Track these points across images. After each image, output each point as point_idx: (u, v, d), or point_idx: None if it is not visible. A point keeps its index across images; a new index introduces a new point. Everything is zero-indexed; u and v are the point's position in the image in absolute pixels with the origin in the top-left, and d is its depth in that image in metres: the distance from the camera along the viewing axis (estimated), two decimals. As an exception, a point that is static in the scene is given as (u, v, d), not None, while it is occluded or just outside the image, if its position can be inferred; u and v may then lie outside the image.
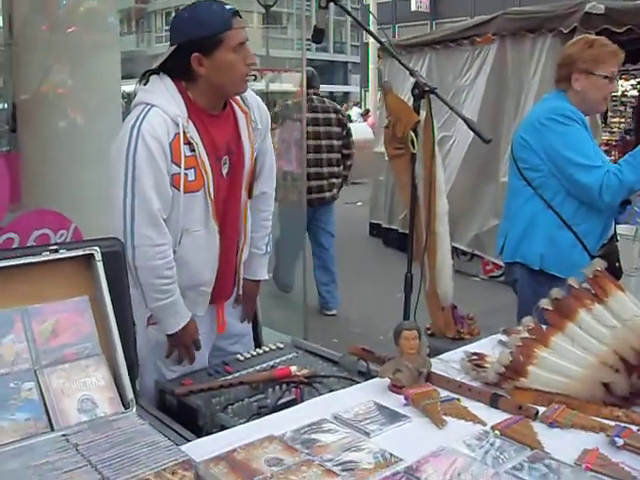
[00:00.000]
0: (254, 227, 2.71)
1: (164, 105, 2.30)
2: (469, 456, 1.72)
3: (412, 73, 2.54)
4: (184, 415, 2.14)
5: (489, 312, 3.32)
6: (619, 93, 9.66)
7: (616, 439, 1.79)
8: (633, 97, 9.95)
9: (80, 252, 1.65)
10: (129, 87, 3.74)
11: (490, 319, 2.83)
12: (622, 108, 10.01)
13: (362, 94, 35.06)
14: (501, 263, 7.35)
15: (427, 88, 2.47)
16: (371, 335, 3.35)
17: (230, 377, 2.28)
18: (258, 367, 2.37)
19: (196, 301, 2.51)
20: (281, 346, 2.55)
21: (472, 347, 2.44)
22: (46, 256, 1.62)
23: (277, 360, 2.43)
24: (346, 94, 43.43)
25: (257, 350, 2.52)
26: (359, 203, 12.38)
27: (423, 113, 2.56)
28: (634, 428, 1.84)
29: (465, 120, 2.43)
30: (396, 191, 8.73)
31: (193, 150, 2.32)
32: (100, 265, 1.65)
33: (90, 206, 3.80)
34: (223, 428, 1.97)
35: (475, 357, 2.28)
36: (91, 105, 4.00)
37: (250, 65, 2.36)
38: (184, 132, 2.29)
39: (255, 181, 2.63)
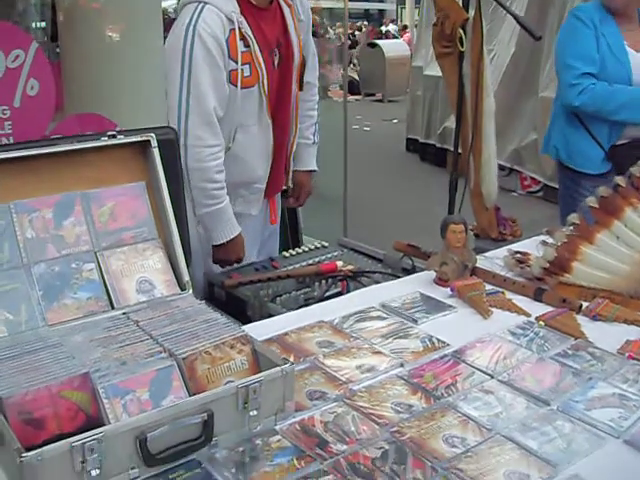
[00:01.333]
0: (300, 118, 2.73)
1: (217, 2, 2.30)
2: (514, 343, 1.77)
3: (461, -30, 2.51)
4: (232, 307, 2.20)
5: (527, 225, 3.31)
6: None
7: (659, 331, 1.82)
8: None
9: (137, 138, 1.68)
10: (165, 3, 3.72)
11: (528, 231, 2.83)
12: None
13: (398, 11, 34.32)
14: (539, 178, 7.36)
15: (476, -15, 2.44)
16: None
17: (277, 271, 2.33)
18: (304, 263, 2.41)
19: (250, 200, 2.55)
20: (326, 245, 2.59)
21: (515, 246, 2.46)
22: (104, 141, 1.65)
23: (322, 257, 2.47)
24: (382, 11, 42.52)
25: (302, 247, 2.56)
26: (395, 120, 12.29)
27: (472, 12, 2.53)
28: (677, 322, 1.87)
29: (515, 16, 2.41)
30: (434, 106, 8.65)
31: (247, 45, 2.32)
32: (156, 151, 1.68)
33: (131, 113, 3.81)
34: (271, 317, 2.02)
35: (519, 255, 2.31)
36: (133, 12, 3.98)
37: None
38: (239, 27, 2.29)
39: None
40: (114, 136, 1.67)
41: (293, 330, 1.79)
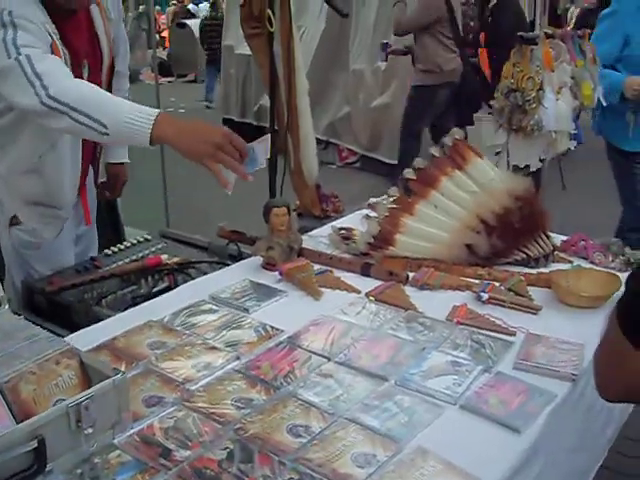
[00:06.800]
0: None
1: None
2: (347, 321, 1.78)
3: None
4: (56, 314, 2.07)
5: (349, 197, 3.33)
6: None
7: (482, 294, 1.89)
8: None
9: None
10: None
11: (350, 204, 2.84)
12: None
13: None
14: (356, 149, 7.51)
15: (281, -37, 2.41)
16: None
17: (100, 271, 2.22)
18: (127, 260, 2.32)
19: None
20: (148, 237, 2.49)
21: (339, 222, 2.48)
22: None
23: (146, 252, 2.37)
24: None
25: (125, 243, 2.44)
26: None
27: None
28: (496, 284, 1.95)
29: (321, -6, 2.40)
30: (247, 84, 8.62)
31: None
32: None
33: None
34: (99, 322, 1.92)
35: (343, 231, 2.33)
36: None
37: None
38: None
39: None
40: None
41: (122, 334, 1.72)
